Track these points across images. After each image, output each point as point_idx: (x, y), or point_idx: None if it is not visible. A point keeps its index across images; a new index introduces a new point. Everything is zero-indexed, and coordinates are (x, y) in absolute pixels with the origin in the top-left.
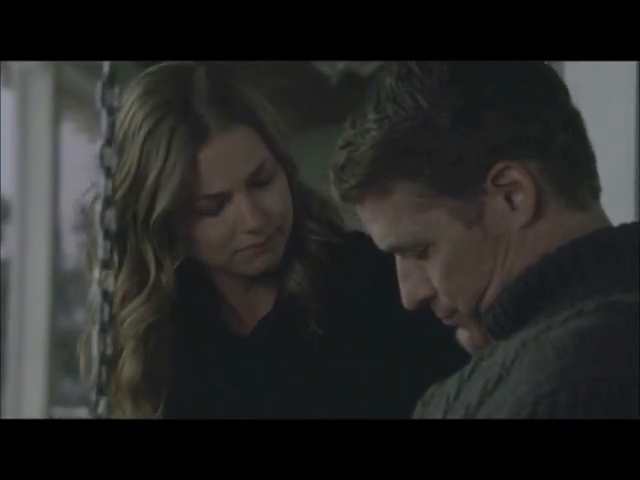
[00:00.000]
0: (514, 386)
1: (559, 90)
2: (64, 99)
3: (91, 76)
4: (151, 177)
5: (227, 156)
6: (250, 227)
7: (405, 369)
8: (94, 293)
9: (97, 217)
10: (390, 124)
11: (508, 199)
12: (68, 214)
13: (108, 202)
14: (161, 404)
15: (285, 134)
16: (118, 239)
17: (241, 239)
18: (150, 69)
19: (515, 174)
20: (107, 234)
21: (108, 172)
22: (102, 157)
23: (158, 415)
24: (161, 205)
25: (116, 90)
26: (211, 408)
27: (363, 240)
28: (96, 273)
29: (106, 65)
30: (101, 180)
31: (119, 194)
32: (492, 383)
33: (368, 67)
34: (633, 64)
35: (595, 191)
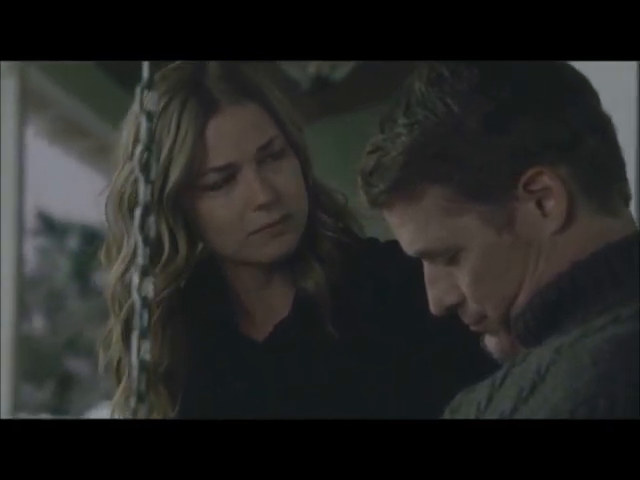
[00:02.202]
0: (549, 393)
1: (589, 95)
2: (27, 102)
3: (55, 80)
4: (164, 153)
5: (236, 128)
6: (260, 201)
7: (421, 371)
8: (134, 299)
9: (137, 223)
10: (420, 129)
11: (539, 205)
12: (29, 218)
13: (147, 208)
14: (179, 397)
15: (298, 126)
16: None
17: (252, 219)
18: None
19: (547, 180)
20: (147, 240)
21: (147, 178)
22: (141, 163)
23: (177, 407)
24: (173, 177)
25: (154, 95)
26: (226, 410)
27: (379, 246)
28: (135, 279)
29: (145, 70)
30: (140, 186)
31: (132, 177)
32: (526, 390)
33: (339, 72)
34: (633, 64)
35: (625, 196)
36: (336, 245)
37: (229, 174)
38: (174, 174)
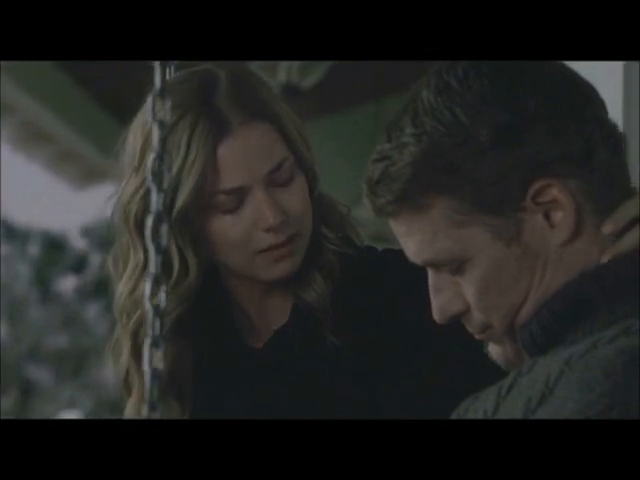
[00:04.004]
0: (560, 405)
1: (598, 106)
2: None
3: (19, 86)
4: (173, 172)
5: (247, 151)
6: (269, 224)
7: (422, 378)
8: (146, 308)
9: (148, 232)
10: (429, 140)
11: (547, 217)
12: None
13: (160, 217)
14: (188, 408)
15: (308, 143)
16: (143, 235)
17: (261, 239)
18: (175, 75)
19: (556, 192)
20: (159, 249)
21: (160, 187)
22: (153, 172)
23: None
24: (181, 200)
25: (167, 104)
26: (229, 415)
27: (378, 254)
28: (147, 289)
29: (157, 79)
30: (153, 195)
31: (141, 192)
32: (535, 401)
33: (309, 79)
34: (619, 64)
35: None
36: (337, 256)
37: (239, 196)
38: (182, 196)
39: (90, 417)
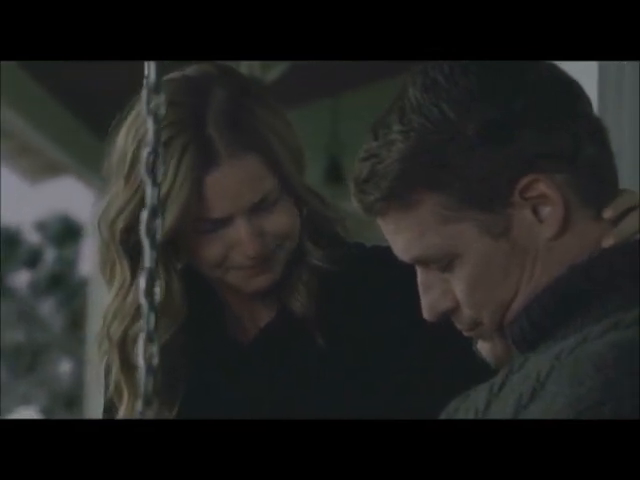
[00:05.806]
0: (551, 400)
1: (584, 102)
2: None
3: None
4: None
5: (233, 183)
6: (247, 254)
7: (410, 375)
8: (142, 304)
9: (143, 226)
10: (416, 136)
11: (535, 212)
12: None
13: (155, 211)
14: (175, 409)
15: (301, 164)
16: (133, 255)
17: (235, 259)
18: (171, 76)
19: (543, 187)
20: (153, 243)
21: (154, 181)
22: (148, 165)
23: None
24: (165, 226)
25: (162, 97)
26: (217, 415)
27: (366, 252)
28: (142, 283)
29: (152, 71)
30: (147, 189)
31: (128, 209)
32: (526, 397)
33: (272, 73)
34: (594, 64)
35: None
36: (320, 273)
37: (221, 223)
38: (166, 223)
39: (45, 413)
